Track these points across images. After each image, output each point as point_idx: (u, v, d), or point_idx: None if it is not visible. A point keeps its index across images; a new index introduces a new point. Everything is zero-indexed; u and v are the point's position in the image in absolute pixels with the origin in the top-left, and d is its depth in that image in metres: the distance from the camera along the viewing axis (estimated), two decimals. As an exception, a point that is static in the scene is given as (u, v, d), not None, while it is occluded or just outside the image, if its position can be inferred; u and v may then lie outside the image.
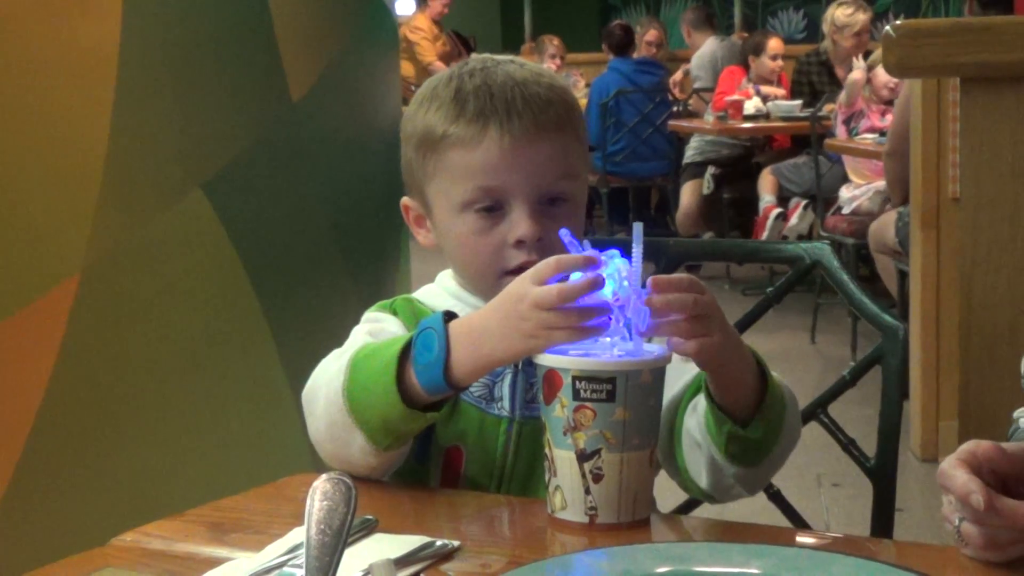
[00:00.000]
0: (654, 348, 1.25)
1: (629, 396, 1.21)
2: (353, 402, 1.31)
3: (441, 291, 1.50)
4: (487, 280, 1.44)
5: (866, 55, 6.40)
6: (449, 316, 1.29)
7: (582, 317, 1.21)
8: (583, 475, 1.23)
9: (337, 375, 1.33)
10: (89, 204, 2.10)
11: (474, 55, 1.57)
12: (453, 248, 1.46)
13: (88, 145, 2.11)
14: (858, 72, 6.27)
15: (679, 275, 1.23)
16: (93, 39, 2.12)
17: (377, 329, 1.45)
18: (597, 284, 1.21)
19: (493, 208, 1.42)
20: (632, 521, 1.23)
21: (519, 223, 1.41)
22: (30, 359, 2.09)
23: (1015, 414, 1.54)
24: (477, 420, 1.43)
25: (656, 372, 1.23)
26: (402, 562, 1.11)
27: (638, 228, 1.25)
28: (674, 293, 1.21)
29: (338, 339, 1.50)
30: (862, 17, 7.18)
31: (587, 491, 1.23)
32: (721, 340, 1.24)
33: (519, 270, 1.38)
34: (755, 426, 1.30)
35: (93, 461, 2.15)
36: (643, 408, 1.23)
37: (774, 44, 7.98)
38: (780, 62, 7.92)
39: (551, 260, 1.24)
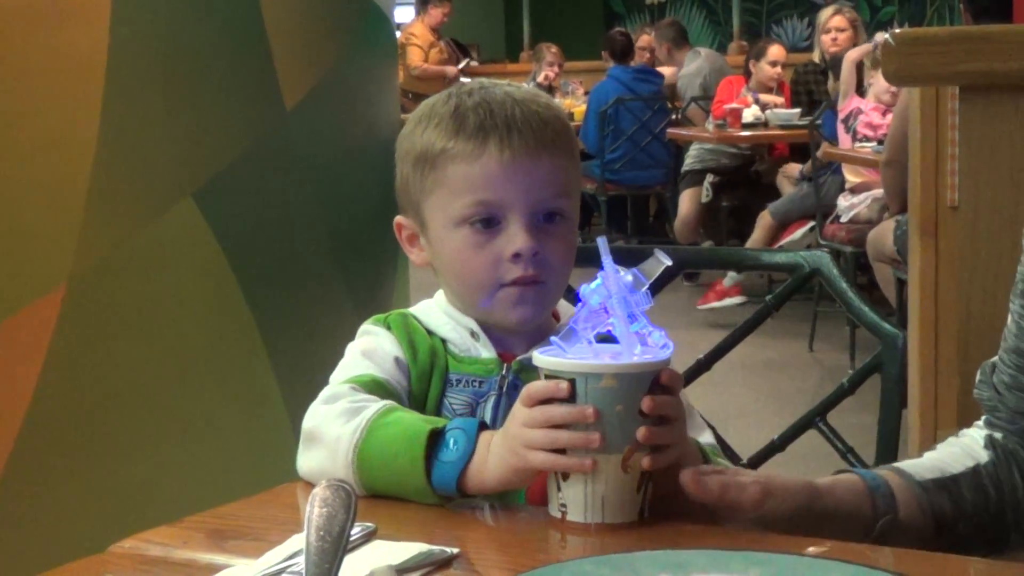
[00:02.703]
0: (649, 353, 1.25)
1: (590, 398, 1.22)
2: (363, 461, 1.31)
3: (436, 308, 1.51)
4: (484, 293, 1.44)
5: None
6: (482, 426, 1.31)
7: (567, 441, 1.23)
8: (555, 472, 1.25)
9: (351, 434, 1.33)
10: (76, 213, 2.09)
11: (467, 80, 1.58)
12: (448, 263, 1.47)
13: (75, 153, 2.10)
14: (854, 52, 6.30)
15: (669, 398, 1.25)
16: (81, 45, 2.11)
17: (371, 348, 1.46)
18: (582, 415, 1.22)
19: (490, 222, 1.42)
20: (602, 523, 1.24)
21: (516, 237, 1.41)
22: (16, 369, 2.08)
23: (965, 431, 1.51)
24: None
25: (622, 378, 1.23)
26: (402, 569, 1.11)
27: (602, 241, 1.28)
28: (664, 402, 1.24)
29: (331, 348, 1.50)
30: (839, 18, 7.24)
31: (559, 488, 1.25)
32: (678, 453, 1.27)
33: (515, 283, 1.41)
34: None
35: (83, 471, 2.14)
36: (607, 412, 1.22)
37: (775, 51, 7.99)
38: (780, 69, 7.92)
39: (526, 389, 1.26)
